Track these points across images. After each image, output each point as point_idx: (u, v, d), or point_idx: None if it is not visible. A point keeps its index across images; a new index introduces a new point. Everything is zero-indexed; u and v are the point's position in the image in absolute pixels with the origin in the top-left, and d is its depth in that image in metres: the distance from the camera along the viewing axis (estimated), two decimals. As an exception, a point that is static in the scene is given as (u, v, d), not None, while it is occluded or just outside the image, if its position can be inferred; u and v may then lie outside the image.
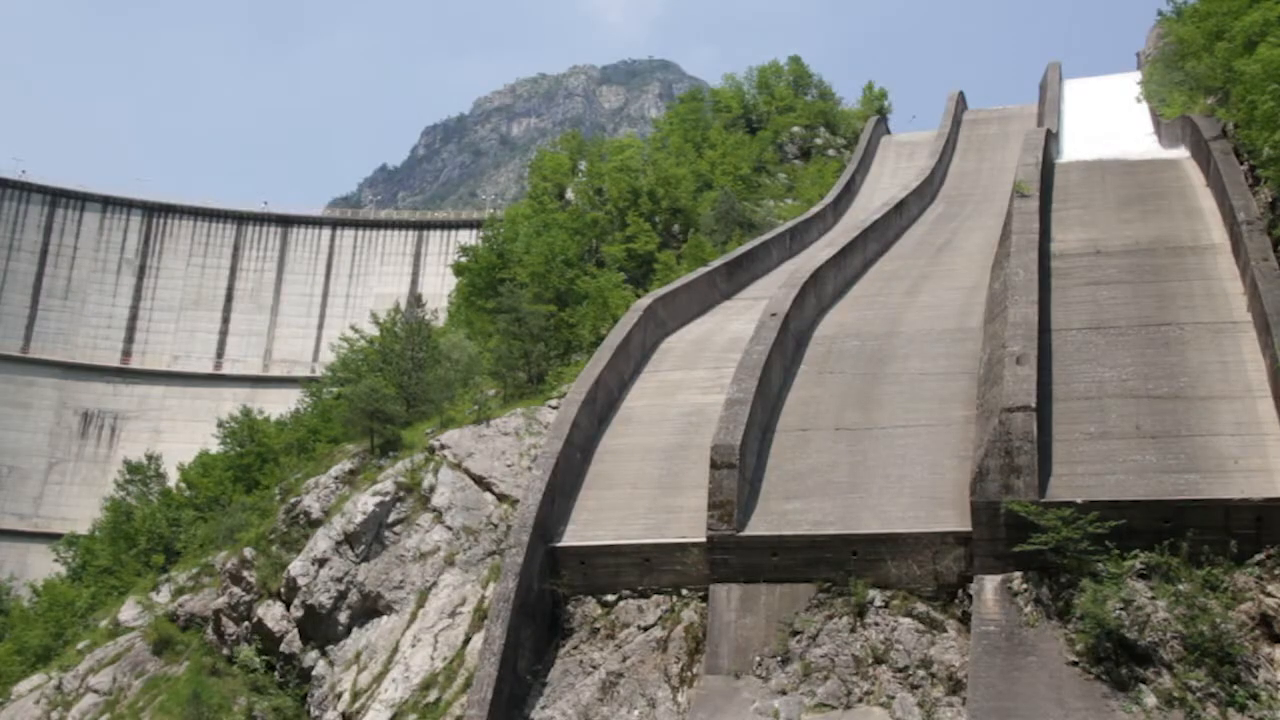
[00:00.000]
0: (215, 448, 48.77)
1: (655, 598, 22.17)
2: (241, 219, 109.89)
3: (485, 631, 21.63)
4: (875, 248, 37.73)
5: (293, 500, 30.41)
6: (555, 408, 29.49)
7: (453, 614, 24.87)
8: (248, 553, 29.62)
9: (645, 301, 31.84)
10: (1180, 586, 18.07)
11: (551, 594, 22.73)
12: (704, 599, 21.54)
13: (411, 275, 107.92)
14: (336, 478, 30.27)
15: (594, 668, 21.35)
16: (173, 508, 42.55)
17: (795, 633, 20.29)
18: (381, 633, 25.69)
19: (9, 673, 34.88)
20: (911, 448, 22.99)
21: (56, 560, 53.80)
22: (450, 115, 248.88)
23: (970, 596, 19.47)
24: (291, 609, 27.43)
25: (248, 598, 29.05)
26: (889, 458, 22.85)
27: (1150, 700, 16.84)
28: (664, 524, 22.98)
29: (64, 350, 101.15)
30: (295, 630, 27.30)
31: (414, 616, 25.40)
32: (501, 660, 20.74)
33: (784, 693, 19.45)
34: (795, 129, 60.46)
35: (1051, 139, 38.69)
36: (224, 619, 29.40)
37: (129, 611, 33.59)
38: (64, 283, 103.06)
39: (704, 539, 21.70)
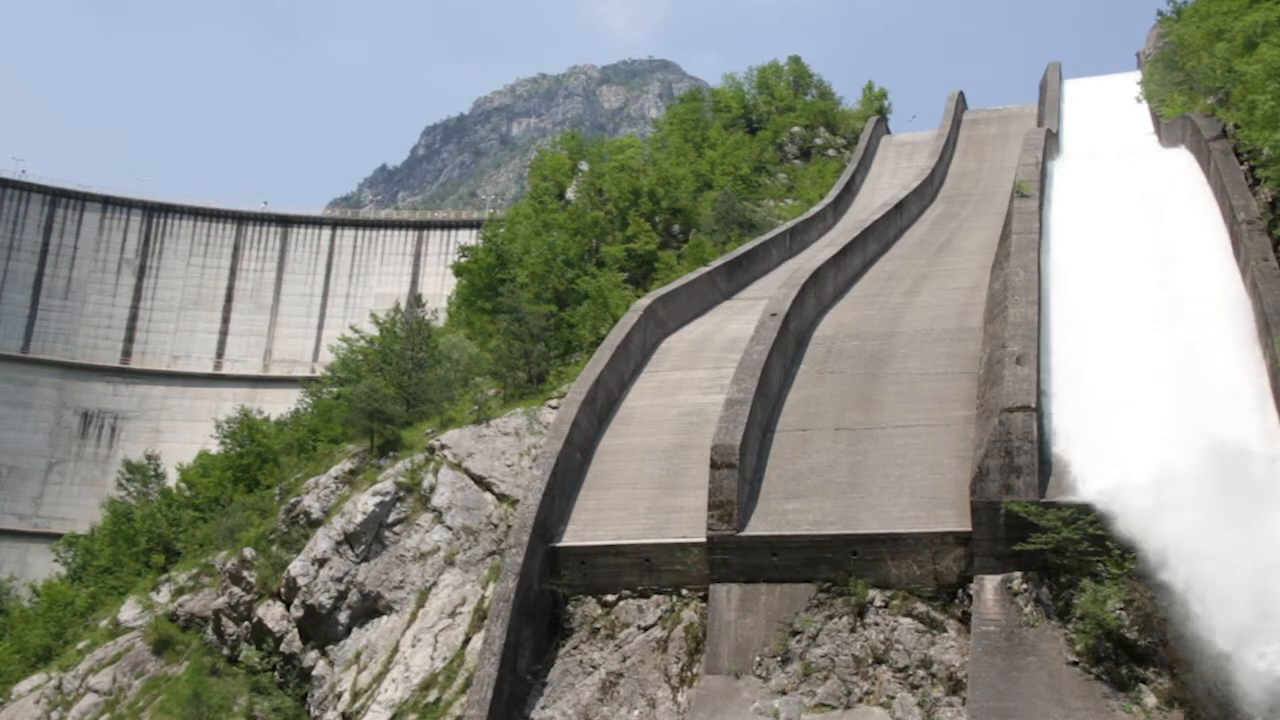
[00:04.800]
0: (215, 448, 48.74)
1: (655, 598, 22.18)
2: (241, 219, 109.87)
3: (485, 631, 21.63)
4: (875, 248, 37.72)
5: (293, 500, 30.41)
6: (555, 408, 29.49)
7: (453, 614, 24.87)
8: (248, 553, 29.61)
9: (645, 301, 31.83)
10: (1180, 586, 18.02)
11: (551, 594, 22.73)
12: (704, 599, 21.54)
13: (411, 275, 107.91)
14: (336, 478, 30.27)
15: (594, 668, 21.36)
16: (173, 508, 42.53)
17: (795, 633, 20.29)
18: (381, 633, 25.69)
19: (9, 673, 34.88)
20: (911, 448, 22.99)
21: (56, 560, 53.77)
22: (450, 115, 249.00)
23: (970, 596, 19.47)
24: (291, 609, 27.43)
25: (248, 598, 29.05)
26: (889, 458, 22.85)
27: (1150, 700, 16.84)
28: (664, 524, 22.98)
29: (64, 350, 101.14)
30: (295, 630, 27.30)
31: (414, 616, 25.40)
32: (501, 660, 20.75)
33: (784, 693, 19.46)
34: (795, 129, 60.43)
35: (1051, 139, 38.67)
36: (224, 619, 29.40)
37: (129, 611, 33.58)
38: (64, 283, 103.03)
39: (704, 539, 21.70)
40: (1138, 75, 51.64)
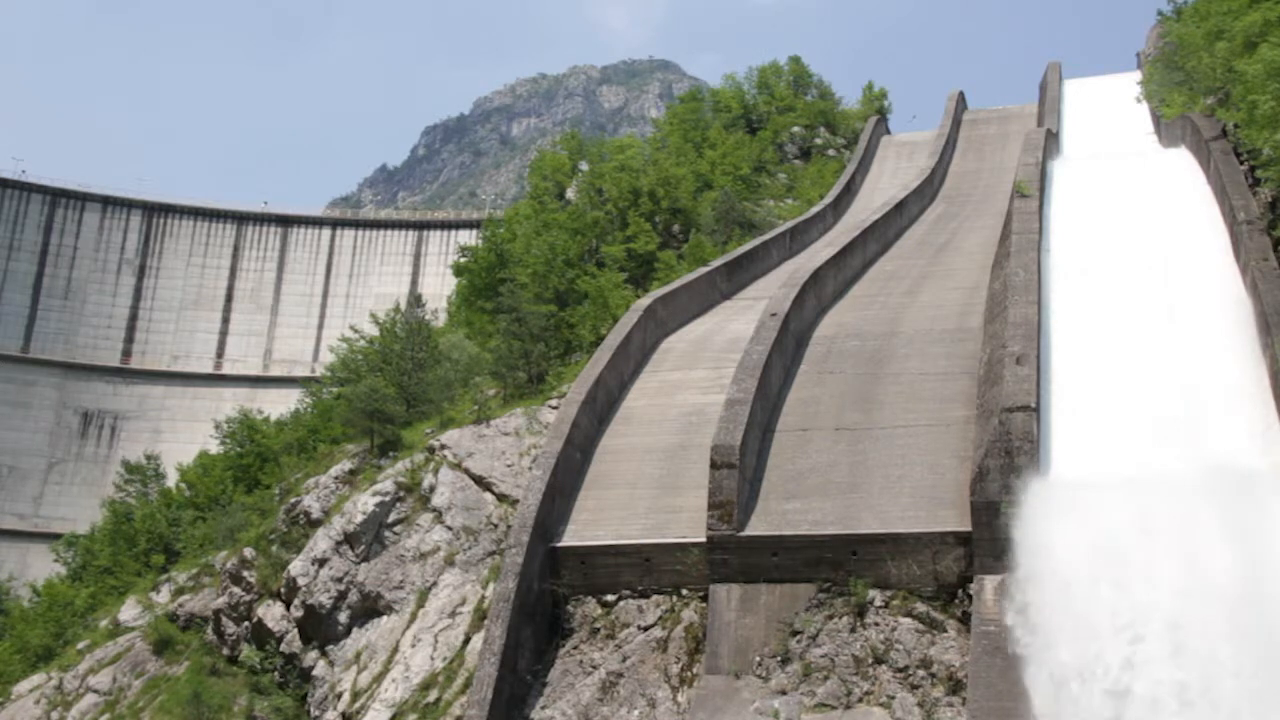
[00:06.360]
0: (215, 448, 48.77)
1: (655, 598, 22.18)
2: (241, 219, 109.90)
3: (485, 631, 21.64)
4: (875, 248, 37.72)
5: (293, 500, 30.42)
6: (555, 408, 29.49)
7: (453, 614, 24.88)
8: (248, 553, 29.62)
9: (645, 301, 31.83)
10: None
11: (551, 594, 22.74)
12: (704, 599, 21.54)
13: (411, 275, 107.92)
14: (336, 478, 30.28)
15: (594, 668, 21.36)
16: (172, 508, 42.55)
17: (795, 633, 20.30)
18: (381, 633, 25.70)
19: (9, 673, 34.89)
20: (911, 448, 22.99)
21: (56, 560, 53.78)
22: (450, 115, 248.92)
23: (970, 596, 19.48)
24: (291, 609, 27.44)
25: (248, 598, 29.06)
26: (889, 458, 22.85)
27: (1150, 700, 16.81)
28: (664, 524, 22.98)
29: (64, 350, 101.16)
30: (295, 630, 27.32)
31: (414, 616, 25.41)
32: (501, 660, 20.75)
33: (784, 693, 19.46)
34: (795, 129, 60.42)
35: (1051, 139, 38.68)
36: (224, 619, 29.41)
37: (129, 611, 33.59)
38: (64, 283, 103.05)
39: (704, 539, 21.70)
40: (1138, 75, 51.63)
